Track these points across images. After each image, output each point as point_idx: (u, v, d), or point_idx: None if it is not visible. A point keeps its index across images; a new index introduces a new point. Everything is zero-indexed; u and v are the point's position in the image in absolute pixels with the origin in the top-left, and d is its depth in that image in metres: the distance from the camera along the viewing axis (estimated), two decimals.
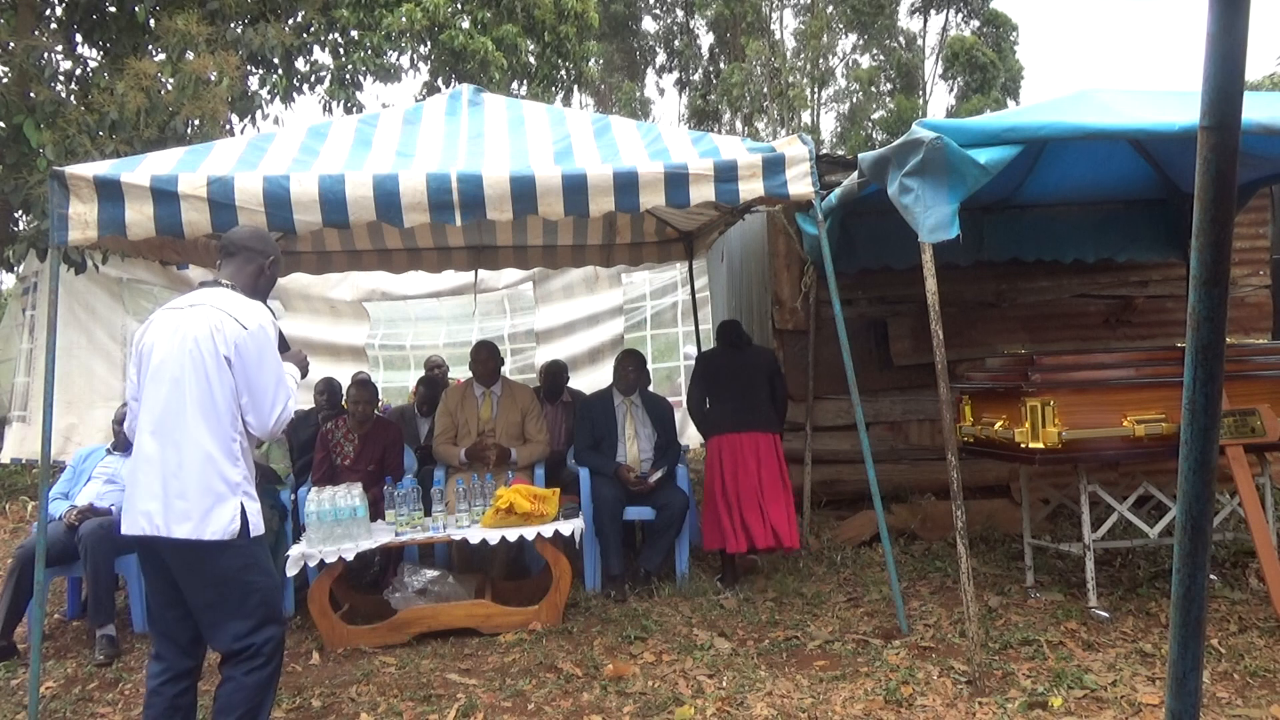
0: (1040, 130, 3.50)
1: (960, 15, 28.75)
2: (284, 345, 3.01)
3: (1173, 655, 1.27)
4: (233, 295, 2.73)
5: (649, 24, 30.57)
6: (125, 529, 2.66)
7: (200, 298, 2.72)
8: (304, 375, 2.99)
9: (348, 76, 9.88)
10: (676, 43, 30.32)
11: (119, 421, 4.67)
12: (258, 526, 2.68)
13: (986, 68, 26.00)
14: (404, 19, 10.30)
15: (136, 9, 7.64)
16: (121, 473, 4.47)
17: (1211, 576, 4.39)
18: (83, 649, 4.37)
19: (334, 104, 9.92)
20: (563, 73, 12.52)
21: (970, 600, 3.47)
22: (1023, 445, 3.96)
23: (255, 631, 2.64)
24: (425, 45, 11.05)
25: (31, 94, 7.13)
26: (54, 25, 8.23)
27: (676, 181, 3.95)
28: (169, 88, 7.15)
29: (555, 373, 6.47)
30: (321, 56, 10.02)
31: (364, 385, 5.31)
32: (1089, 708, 3.16)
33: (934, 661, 3.66)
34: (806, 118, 28.71)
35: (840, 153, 7.20)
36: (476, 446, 5.20)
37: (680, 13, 30.30)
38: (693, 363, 5.73)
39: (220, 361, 2.59)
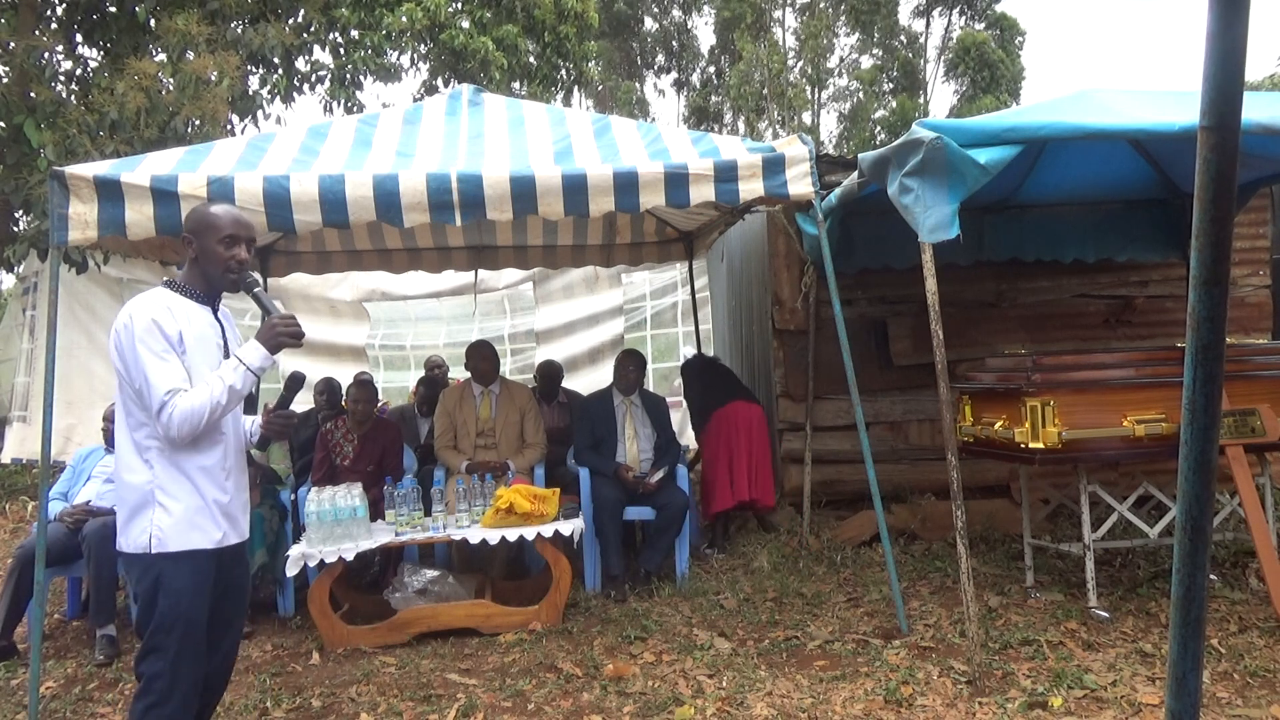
0: (1040, 130, 3.50)
1: (965, 18, 28.76)
2: (267, 309, 2.64)
3: (1173, 655, 1.27)
4: (145, 294, 2.53)
5: (649, 24, 30.57)
6: None
7: None
8: (275, 347, 2.56)
9: (348, 76, 9.87)
10: (674, 43, 30.32)
11: (108, 419, 4.66)
12: (163, 542, 2.41)
13: (996, 65, 25.95)
14: (404, 18, 10.30)
15: (137, 9, 7.64)
16: None
17: (1211, 576, 4.39)
18: (83, 649, 4.38)
19: (334, 104, 9.92)
20: (563, 73, 12.52)
21: (970, 600, 3.47)
22: (1023, 445, 3.96)
23: (142, 659, 2.45)
24: (425, 45, 11.05)
25: (32, 94, 7.13)
26: (54, 25, 8.23)
27: (676, 181, 3.95)
28: (169, 88, 7.15)
29: (551, 374, 6.45)
30: (322, 56, 10.03)
31: (364, 385, 5.31)
32: (1089, 708, 3.16)
33: (934, 661, 3.66)
34: (807, 118, 28.71)
35: (842, 152, 7.22)
36: (475, 464, 5.22)
37: (678, 13, 30.30)
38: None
39: (115, 368, 2.47)
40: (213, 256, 2.55)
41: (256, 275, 2.73)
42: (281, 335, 2.56)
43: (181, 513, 2.45)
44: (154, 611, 2.42)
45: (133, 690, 3.66)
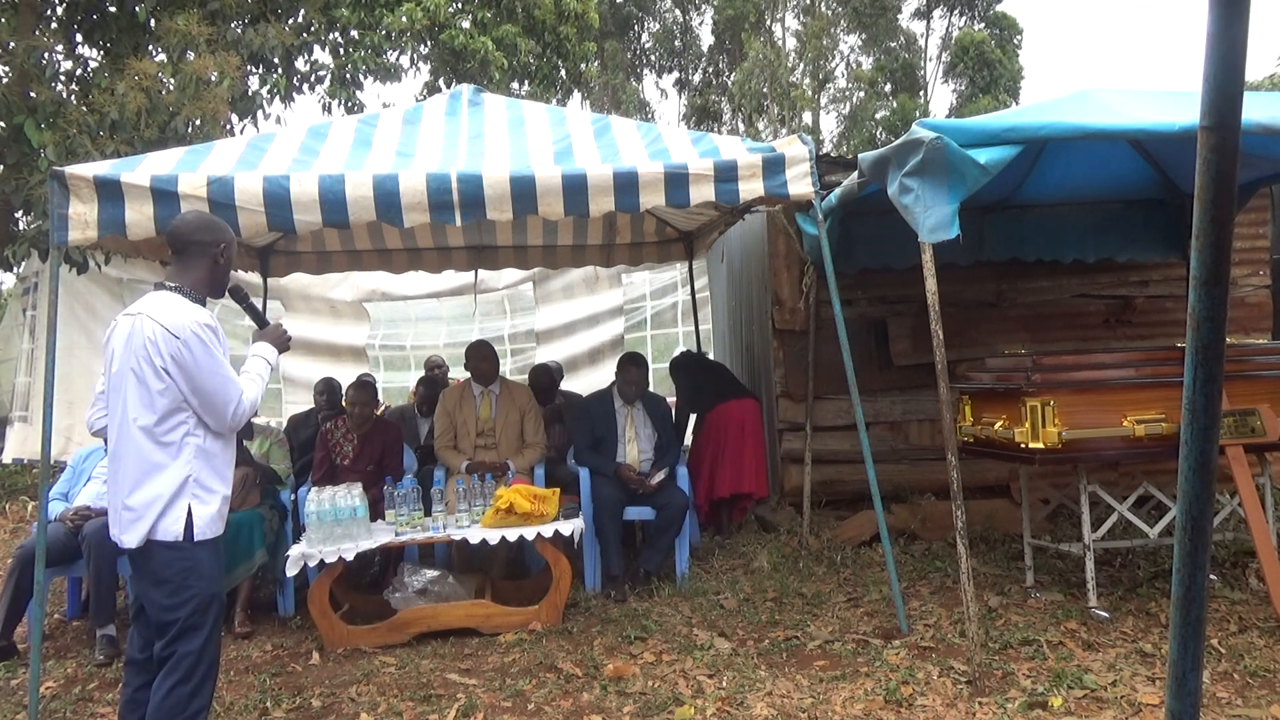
0: (1040, 130, 3.50)
1: (964, 18, 28.76)
2: (262, 321, 3.03)
3: (1173, 655, 1.27)
4: (169, 300, 2.65)
5: (651, 23, 30.59)
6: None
7: (142, 305, 2.68)
8: (283, 350, 2.99)
9: (348, 76, 9.87)
10: (676, 43, 30.33)
11: None
12: (204, 531, 2.64)
13: (995, 65, 25.95)
14: (404, 18, 10.29)
15: (137, 9, 7.64)
16: None
17: (1211, 576, 4.39)
18: (83, 649, 4.38)
19: (334, 104, 9.91)
20: (563, 73, 12.52)
21: (970, 600, 3.47)
22: (1023, 445, 3.96)
23: (178, 639, 2.62)
24: (425, 45, 11.05)
25: (32, 94, 7.12)
26: (54, 25, 8.22)
27: (676, 181, 3.95)
28: (170, 88, 7.14)
29: (541, 385, 6.34)
30: (322, 56, 10.01)
31: (363, 387, 5.31)
32: (1089, 708, 3.16)
33: (934, 661, 3.66)
34: (807, 118, 28.72)
35: (842, 152, 7.23)
36: (475, 464, 5.22)
37: (679, 12, 30.31)
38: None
39: (159, 373, 2.57)
40: (228, 270, 2.86)
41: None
42: (288, 339, 3.01)
43: (216, 504, 2.69)
44: (187, 594, 2.62)
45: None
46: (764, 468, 5.82)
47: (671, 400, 6.36)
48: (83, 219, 3.65)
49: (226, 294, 2.93)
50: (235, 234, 2.91)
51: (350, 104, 9.93)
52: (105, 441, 2.81)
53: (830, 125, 31.49)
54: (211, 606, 2.68)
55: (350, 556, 4.19)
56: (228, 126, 7.86)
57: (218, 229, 2.83)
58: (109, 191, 3.66)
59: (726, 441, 5.70)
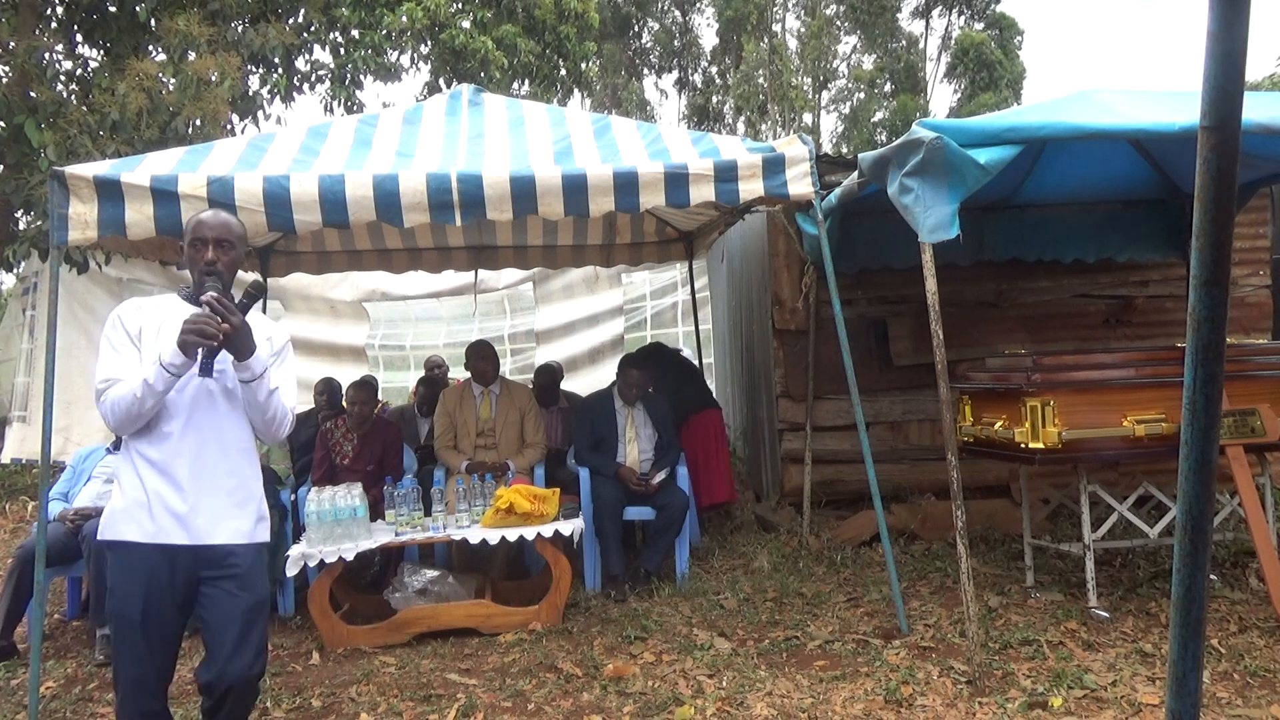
0: (1040, 130, 3.49)
1: (963, 18, 28.77)
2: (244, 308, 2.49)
3: (1173, 655, 1.27)
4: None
5: (651, 23, 30.59)
6: None
7: None
8: (183, 345, 2.36)
9: (348, 76, 9.87)
10: (676, 43, 30.34)
11: None
12: (107, 530, 2.45)
13: (994, 65, 25.96)
14: (404, 18, 10.30)
15: (138, 9, 7.64)
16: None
17: (1211, 576, 4.39)
18: (83, 649, 4.38)
19: (334, 103, 9.92)
20: (563, 73, 12.51)
21: (970, 600, 3.47)
22: (1023, 445, 3.96)
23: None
24: (425, 44, 11.05)
25: (32, 94, 7.12)
26: (55, 25, 8.23)
27: (676, 181, 3.95)
28: (170, 88, 7.15)
29: (548, 384, 6.37)
30: (322, 56, 10.03)
31: (362, 387, 5.31)
32: (1089, 708, 3.16)
33: (934, 661, 3.66)
34: (808, 118, 28.73)
35: (842, 152, 7.24)
36: (475, 464, 5.23)
37: (678, 13, 30.31)
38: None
39: None
40: (189, 260, 2.60)
41: (217, 281, 2.52)
42: (187, 334, 2.37)
43: (123, 503, 2.47)
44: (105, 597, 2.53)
45: None
46: (731, 474, 6.15)
47: None
48: (83, 219, 3.65)
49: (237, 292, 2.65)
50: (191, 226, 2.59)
51: (350, 104, 9.93)
52: None
53: (830, 125, 31.52)
54: (113, 620, 2.43)
55: (350, 556, 4.19)
56: (228, 126, 7.87)
57: (185, 226, 2.64)
58: (109, 191, 3.66)
59: (699, 451, 5.86)
